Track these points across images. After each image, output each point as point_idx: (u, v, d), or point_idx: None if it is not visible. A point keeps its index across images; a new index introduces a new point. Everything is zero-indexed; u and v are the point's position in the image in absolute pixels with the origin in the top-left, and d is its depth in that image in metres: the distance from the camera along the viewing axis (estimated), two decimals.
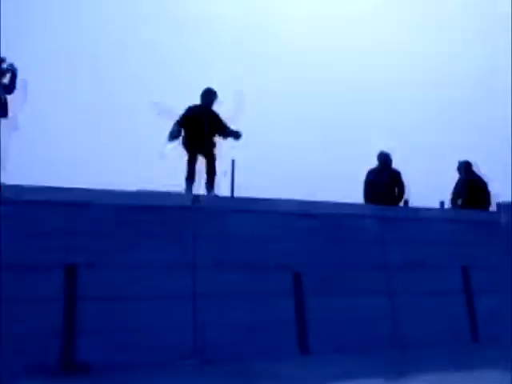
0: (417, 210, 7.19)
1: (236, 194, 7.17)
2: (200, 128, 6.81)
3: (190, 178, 6.78)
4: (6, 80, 6.14)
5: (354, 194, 8.01)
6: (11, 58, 6.36)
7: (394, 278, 6.35)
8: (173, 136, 6.86)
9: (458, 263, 6.82)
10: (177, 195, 6.00)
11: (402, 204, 7.93)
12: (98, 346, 4.90)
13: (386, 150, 8.21)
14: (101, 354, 4.86)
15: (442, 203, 8.30)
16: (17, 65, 6.28)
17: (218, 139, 7.08)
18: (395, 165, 8.11)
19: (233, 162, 8.36)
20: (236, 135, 7.07)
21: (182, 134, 6.93)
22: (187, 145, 6.89)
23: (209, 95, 7.06)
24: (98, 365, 4.79)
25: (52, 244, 5.05)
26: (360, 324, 5.90)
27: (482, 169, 8.43)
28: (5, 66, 6.15)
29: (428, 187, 9.05)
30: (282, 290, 5.77)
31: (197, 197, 6.02)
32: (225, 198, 6.13)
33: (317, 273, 5.96)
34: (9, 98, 6.20)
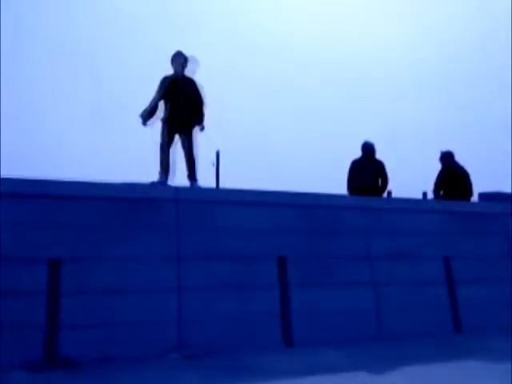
0: (399, 200, 7.24)
1: (221, 185, 7.17)
2: (178, 101, 6.46)
3: (165, 169, 6.47)
4: None
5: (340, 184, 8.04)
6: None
7: (378, 268, 6.41)
8: (148, 113, 6.49)
9: (440, 253, 6.90)
10: (160, 187, 5.94)
11: (385, 195, 7.97)
12: (82, 340, 4.87)
13: (369, 140, 8.21)
14: (85, 349, 4.84)
15: (424, 194, 8.37)
16: None
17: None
18: (379, 154, 8.13)
19: (217, 153, 8.34)
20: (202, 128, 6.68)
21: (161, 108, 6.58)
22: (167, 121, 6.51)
23: (179, 58, 6.64)
24: (83, 359, 4.76)
25: (35, 237, 4.99)
26: (344, 315, 5.96)
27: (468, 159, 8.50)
28: None
29: (411, 177, 9.12)
30: (266, 281, 5.78)
31: (179, 188, 5.97)
32: (209, 189, 6.09)
33: (301, 264, 5.99)
34: None
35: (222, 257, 5.64)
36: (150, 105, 6.52)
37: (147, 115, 6.50)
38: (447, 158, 8.41)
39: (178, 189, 5.87)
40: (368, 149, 8.06)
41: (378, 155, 8.07)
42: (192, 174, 6.58)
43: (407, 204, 7.08)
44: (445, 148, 8.53)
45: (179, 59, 6.62)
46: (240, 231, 5.79)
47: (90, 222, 5.24)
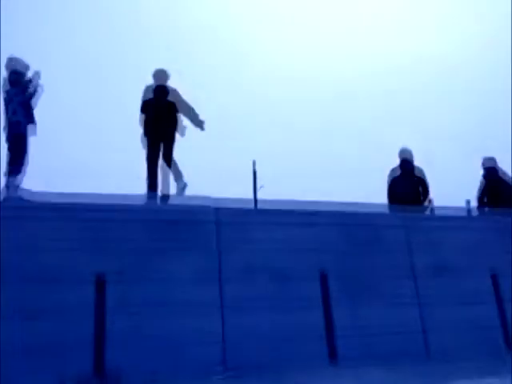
0: (444, 214, 7.07)
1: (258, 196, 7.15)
2: (158, 114, 6.48)
3: (152, 186, 6.38)
4: (31, 88, 6.15)
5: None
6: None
7: (423, 286, 6.27)
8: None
9: (487, 270, 6.69)
10: (201, 208, 5.97)
11: (426, 204, 7.82)
12: (128, 355, 4.95)
13: (407, 146, 8.07)
14: (131, 364, 4.91)
15: (468, 202, 8.16)
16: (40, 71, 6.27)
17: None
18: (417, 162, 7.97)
19: (254, 163, 8.23)
20: (200, 124, 6.76)
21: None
22: (146, 132, 6.52)
23: (162, 76, 6.74)
24: (129, 374, 4.84)
25: (82, 257, 5.08)
26: (389, 334, 5.87)
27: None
28: (30, 74, 6.17)
29: (453, 185, 8.92)
30: (309, 298, 5.75)
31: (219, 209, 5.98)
32: (249, 210, 6.08)
33: (344, 281, 5.93)
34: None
35: (263, 275, 5.63)
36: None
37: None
38: (489, 164, 8.21)
39: (218, 209, 5.88)
40: (406, 156, 7.91)
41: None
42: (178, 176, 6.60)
43: (452, 218, 6.91)
44: (487, 154, 8.34)
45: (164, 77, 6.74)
46: (281, 250, 5.77)
47: (135, 242, 5.31)
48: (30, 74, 6.13)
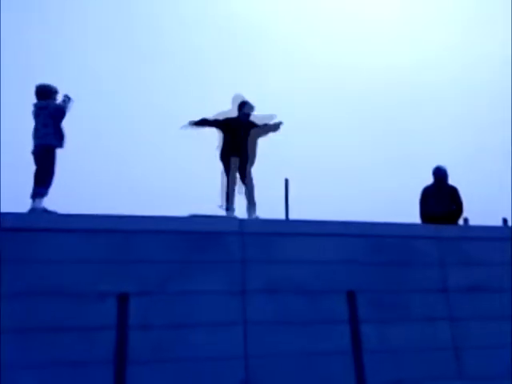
0: (477, 228, 6.79)
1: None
2: (235, 136, 7.03)
3: (229, 199, 6.84)
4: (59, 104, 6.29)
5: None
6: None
7: (455, 302, 5.99)
8: (195, 123, 7.07)
9: None
10: (224, 220, 5.92)
11: (461, 222, 7.54)
12: (149, 375, 4.86)
13: (441, 164, 7.85)
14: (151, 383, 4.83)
15: (504, 220, 7.83)
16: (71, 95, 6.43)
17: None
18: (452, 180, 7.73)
19: (286, 181, 8.20)
20: (274, 127, 7.27)
21: (220, 141, 7.12)
22: (223, 151, 7.06)
23: (245, 107, 7.25)
24: None
25: (104, 272, 5.09)
26: (420, 352, 5.60)
27: None
28: (59, 97, 6.32)
29: (490, 203, 8.60)
30: (335, 315, 5.56)
31: (243, 221, 5.93)
32: (273, 221, 5.98)
33: (373, 297, 5.72)
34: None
35: (288, 290, 5.49)
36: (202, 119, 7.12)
37: (193, 123, 7.08)
38: None
39: (242, 221, 5.83)
40: (440, 174, 7.69)
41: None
42: (252, 205, 6.87)
43: (485, 232, 6.63)
44: None
45: (248, 109, 7.26)
46: (306, 263, 5.63)
47: (156, 256, 5.29)
48: (59, 97, 6.29)
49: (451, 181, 7.68)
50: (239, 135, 7.04)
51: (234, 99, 7.34)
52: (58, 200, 6.06)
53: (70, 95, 6.34)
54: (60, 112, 6.16)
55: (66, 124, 6.30)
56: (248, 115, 7.22)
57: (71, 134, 6.31)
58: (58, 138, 6.09)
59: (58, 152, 6.13)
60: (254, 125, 7.25)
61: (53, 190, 6.01)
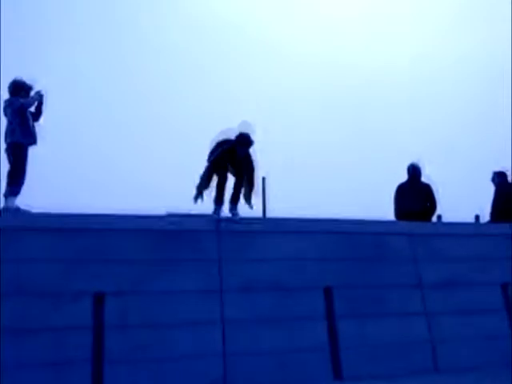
0: (450, 225, 6.93)
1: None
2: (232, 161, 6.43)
3: (219, 200, 6.38)
4: (32, 108, 6.20)
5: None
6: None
7: (430, 297, 6.10)
8: (201, 189, 6.38)
9: (496, 279, 6.51)
10: (200, 218, 5.91)
11: (434, 219, 7.67)
12: (126, 375, 4.83)
13: (415, 161, 7.97)
14: (129, 383, 4.80)
15: (477, 217, 7.99)
16: (43, 91, 6.32)
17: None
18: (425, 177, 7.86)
19: (263, 179, 8.20)
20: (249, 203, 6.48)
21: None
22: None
23: (248, 139, 6.46)
24: None
25: (79, 272, 5.04)
26: (396, 347, 5.69)
27: None
28: (32, 93, 6.21)
29: (462, 200, 8.76)
30: (312, 312, 5.61)
31: (220, 219, 5.94)
32: (249, 219, 6.00)
33: (348, 293, 5.79)
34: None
35: (265, 288, 5.51)
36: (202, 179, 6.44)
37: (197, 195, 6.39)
38: (500, 178, 8.06)
39: (218, 220, 5.84)
40: (414, 171, 7.81)
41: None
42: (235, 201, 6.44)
43: (458, 228, 6.77)
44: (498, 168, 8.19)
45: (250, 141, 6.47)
46: (283, 261, 5.66)
47: (133, 255, 5.26)
48: (32, 92, 6.19)
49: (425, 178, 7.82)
50: (235, 162, 6.41)
51: (240, 126, 6.46)
52: (38, 197, 5.98)
53: (42, 91, 6.25)
54: (24, 109, 6.00)
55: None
56: (247, 149, 6.43)
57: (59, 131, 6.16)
58: (27, 135, 5.95)
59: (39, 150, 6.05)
60: (249, 160, 6.51)
61: (35, 187, 5.94)
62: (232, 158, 6.38)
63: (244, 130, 6.46)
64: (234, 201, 6.39)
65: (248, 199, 6.43)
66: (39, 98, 6.17)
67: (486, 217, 8.03)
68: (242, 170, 6.45)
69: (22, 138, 5.90)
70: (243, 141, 6.39)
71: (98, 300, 5.01)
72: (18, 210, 5.65)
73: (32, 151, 6.04)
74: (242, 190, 6.43)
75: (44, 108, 6.25)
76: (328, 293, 5.73)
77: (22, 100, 6.03)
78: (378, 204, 8.07)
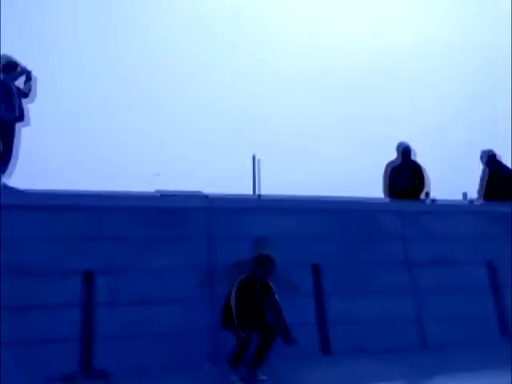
0: (439, 203, 6.98)
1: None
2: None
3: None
4: (20, 84, 6.12)
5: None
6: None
7: (417, 275, 6.18)
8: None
9: (483, 258, 6.59)
10: (190, 196, 5.90)
11: (423, 197, 7.72)
12: (116, 351, 4.87)
13: (404, 141, 8.00)
14: (118, 360, 4.84)
15: (465, 195, 8.06)
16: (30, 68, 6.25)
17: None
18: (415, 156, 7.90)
19: (254, 158, 8.14)
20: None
21: None
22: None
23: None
24: (116, 370, 4.76)
25: (69, 250, 5.03)
26: (383, 324, 5.76)
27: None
28: (19, 69, 6.14)
29: (451, 178, 8.81)
30: (301, 288, 5.64)
31: (209, 197, 5.93)
32: (238, 197, 6.00)
33: (337, 271, 5.83)
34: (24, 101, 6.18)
35: None
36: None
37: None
38: (489, 158, 8.11)
39: (208, 198, 5.83)
40: (404, 150, 7.84)
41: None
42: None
43: (446, 207, 6.82)
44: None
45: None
46: (272, 238, 5.67)
47: (122, 233, 5.26)
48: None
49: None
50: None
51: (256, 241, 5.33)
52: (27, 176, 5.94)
53: (28, 68, 6.18)
54: (7, 84, 5.93)
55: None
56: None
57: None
58: (12, 112, 5.87)
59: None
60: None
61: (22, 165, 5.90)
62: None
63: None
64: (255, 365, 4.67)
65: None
66: (24, 72, 6.10)
67: (473, 194, 8.13)
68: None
69: (6, 115, 5.82)
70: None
71: (88, 278, 5.02)
72: (5, 187, 5.60)
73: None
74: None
75: (32, 84, 6.19)
76: (316, 270, 5.77)
77: (3, 75, 5.97)
78: (370, 186, 8.08)
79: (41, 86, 6.51)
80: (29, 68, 6.19)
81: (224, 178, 6.81)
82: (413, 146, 7.98)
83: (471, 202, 7.72)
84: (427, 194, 7.76)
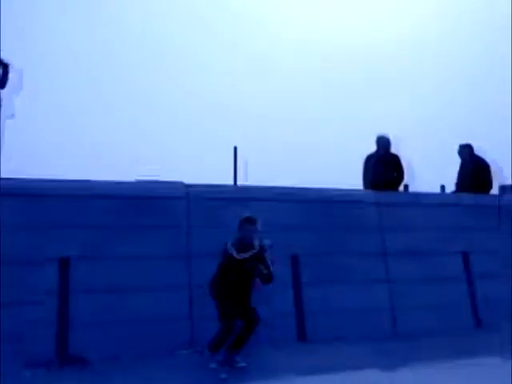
0: (415, 194, 7.08)
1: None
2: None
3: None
4: None
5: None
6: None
7: (393, 265, 6.27)
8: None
9: (458, 248, 6.71)
10: (169, 184, 5.90)
11: (401, 189, 7.81)
12: (92, 338, 4.88)
13: (384, 133, 8.05)
14: (95, 346, 4.85)
15: (442, 187, 8.17)
16: (8, 59, 6.20)
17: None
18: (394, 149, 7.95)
19: (235, 149, 8.19)
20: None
21: None
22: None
23: None
24: (93, 357, 4.78)
25: (45, 237, 5.01)
26: (358, 313, 5.85)
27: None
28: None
29: (428, 171, 8.92)
30: (278, 277, 5.69)
31: (189, 185, 5.92)
32: (217, 186, 6.01)
33: (314, 260, 5.89)
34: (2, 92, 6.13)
35: None
36: None
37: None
38: (465, 150, 8.22)
39: (188, 186, 5.83)
40: (382, 142, 7.90)
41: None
42: None
43: (423, 198, 6.92)
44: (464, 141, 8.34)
45: None
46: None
47: (100, 220, 5.24)
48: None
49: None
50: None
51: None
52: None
53: (5, 60, 6.15)
54: None
55: None
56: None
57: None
58: None
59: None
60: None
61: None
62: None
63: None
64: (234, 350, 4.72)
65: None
66: (3, 64, 6.05)
67: (451, 187, 8.24)
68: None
69: None
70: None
71: (64, 264, 5.01)
72: None
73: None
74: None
75: (9, 77, 6.14)
76: (295, 260, 5.83)
77: None
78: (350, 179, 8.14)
79: (35, 82, 6.49)
80: (5, 59, 6.15)
81: (224, 178, 6.81)
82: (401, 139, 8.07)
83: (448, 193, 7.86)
84: (406, 187, 7.85)
